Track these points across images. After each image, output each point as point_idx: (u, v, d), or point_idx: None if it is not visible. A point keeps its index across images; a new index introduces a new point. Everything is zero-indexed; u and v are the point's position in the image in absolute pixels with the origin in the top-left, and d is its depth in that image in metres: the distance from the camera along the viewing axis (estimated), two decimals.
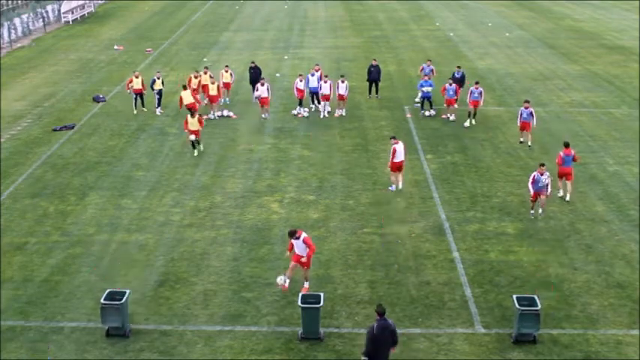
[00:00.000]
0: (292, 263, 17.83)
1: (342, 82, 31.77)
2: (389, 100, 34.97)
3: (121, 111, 33.44)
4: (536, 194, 21.79)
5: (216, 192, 24.12)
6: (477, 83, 30.73)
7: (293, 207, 22.94)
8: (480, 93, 30.35)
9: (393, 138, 24.12)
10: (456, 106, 31.32)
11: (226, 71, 33.78)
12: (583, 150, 28.00)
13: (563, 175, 23.25)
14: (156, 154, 27.69)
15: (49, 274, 18.87)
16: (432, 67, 34.76)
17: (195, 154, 27.19)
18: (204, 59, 44.62)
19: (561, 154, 23.21)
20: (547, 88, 37.29)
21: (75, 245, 20.45)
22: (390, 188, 24.21)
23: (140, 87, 32.53)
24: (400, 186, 24.16)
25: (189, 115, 26.89)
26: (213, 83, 31.76)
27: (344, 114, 32.24)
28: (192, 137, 27.12)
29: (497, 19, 60.51)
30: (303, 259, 17.73)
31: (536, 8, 66.39)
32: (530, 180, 21.86)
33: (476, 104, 30.51)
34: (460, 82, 32.42)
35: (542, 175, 21.55)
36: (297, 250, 17.78)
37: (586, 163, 26.68)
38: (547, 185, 21.71)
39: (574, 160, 23.27)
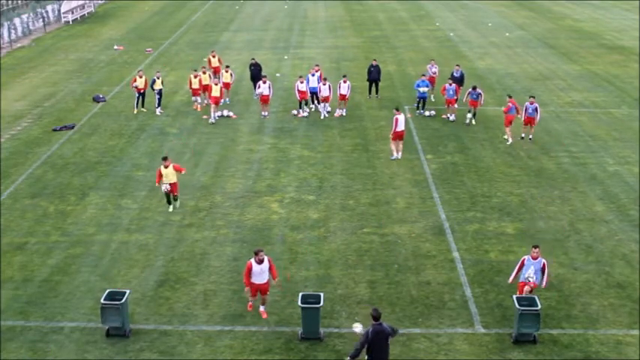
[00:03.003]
0: (252, 298, 16.69)
1: (345, 81, 31.72)
2: (389, 100, 34.94)
3: (121, 111, 33.44)
4: (523, 285, 16.68)
5: (216, 192, 24.12)
6: (474, 88, 30.78)
7: (293, 207, 22.95)
8: (479, 95, 30.46)
9: (396, 109, 26.60)
10: (456, 105, 31.34)
11: (226, 71, 33.79)
12: (583, 150, 28.03)
13: (510, 122, 28.48)
14: (156, 154, 27.66)
15: (49, 274, 18.87)
16: (436, 66, 34.71)
17: (171, 209, 22.55)
18: (204, 59, 44.57)
19: (510, 104, 28.32)
20: (547, 88, 37.29)
21: (75, 245, 20.45)
22: (392, 157, 26.80)
23: (143, 86, 32.66)
24: (400, 155, 26.72)
25: (162, 166, 21.68)
26: (216, 84, 31.70)
27: (344, 114, 32.22)
28: (167, 188, 22.01)
29: (497, 19, 60.51)
30: (264, 284, 16.49)
31: (536, 8, 66.40)
32: (518, 265, 16.84)
33: (475, 104, 30.62)
34: (459, 81, 32.42)
35: (535, 259, 16.60)
36: (256, 279, 16.35)
37: (586, 163, 26.70)
38: (539, 274, 16.63)
39: (517, 110, 28.45)
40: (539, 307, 15.68)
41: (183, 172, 22.23)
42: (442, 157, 27.19)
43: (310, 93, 32.44)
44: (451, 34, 53.02)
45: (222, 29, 55.96)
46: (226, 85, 33.79)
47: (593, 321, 16.77)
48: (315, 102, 32.77)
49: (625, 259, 19.57)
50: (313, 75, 32.06)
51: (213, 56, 36.63)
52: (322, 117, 31.82)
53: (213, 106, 31.49)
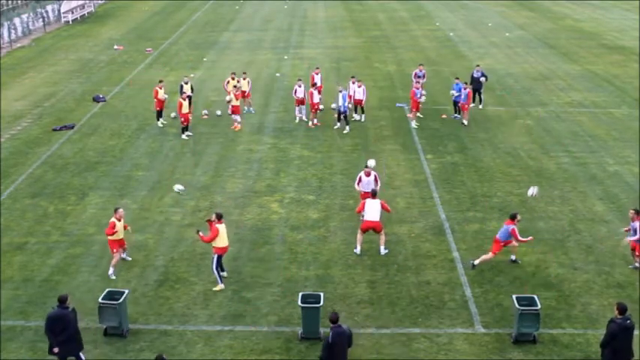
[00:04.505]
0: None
1: (359, 86, 30.84)
2: (389, 100, 34.96)
3: (121, 111, 33.45)
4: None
5: (216, 192, 24.12)
6: (466, 83, 30.99)
7: (293, 207, 22.94)
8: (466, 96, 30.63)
9: (366, 167, 21.71)
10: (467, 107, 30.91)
11: (244, 79, 32.46)
12: (583, 150, 28.03)
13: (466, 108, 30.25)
14: (156, 154, 27.69)
15: (49, 274, 18.87)
16: (423, 71, 34.05)
17: (112, 275, 18.65)
18: (204, 59, 44.63)
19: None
20: (547, 88, 37.28)
21: (75, 245, 20.44)
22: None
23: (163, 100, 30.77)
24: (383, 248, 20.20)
25: (114, 219, 18.62)
26: (237, 97, 30.22)
27: (362, 120, 31.55)
28: (119, 254, 18.88)
29: (497, 19, 60.51)
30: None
31: (536, 8, 66.40)
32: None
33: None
34: (478, 82, 32.18)
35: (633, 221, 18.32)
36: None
37: (586, 163, 26.69)
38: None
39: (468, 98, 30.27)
40: (539, 306, 15.69)
41: (126, 228, 19.11)
42: (442, 157, 27.18)
43: (339, 113, 29.97)
44: (451, 34, 53.01)
45: (222, 29, 55.96)
46: (244, 94, 32.23)
47: (593, 321, 16.76)
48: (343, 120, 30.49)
49: (625, 259, 19.53)
50: (340, 92, 29.81)
51: (233, 78, 32.32)
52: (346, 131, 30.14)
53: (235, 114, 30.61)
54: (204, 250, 20.14)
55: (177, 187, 21.73)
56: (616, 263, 19.36)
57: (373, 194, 19.69)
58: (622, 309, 13.95)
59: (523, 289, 17.95)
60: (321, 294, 16.19)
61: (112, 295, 16.04)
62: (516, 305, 15.66)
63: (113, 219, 18.61)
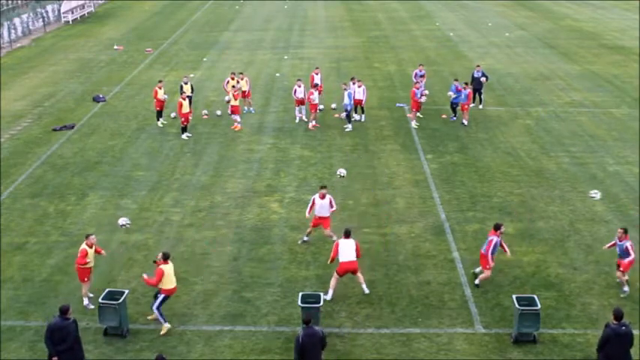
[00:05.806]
0: None
1: (359, 85, 30.74)
2: (389, 100, 34.96)
3: (121, 111, 33.44)
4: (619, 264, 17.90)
5: (216, 192, 24.12)
6: (466, 83, 30.97)
7: (293, 207, 22.94)
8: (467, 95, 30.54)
9: (323, 187, 20.28)
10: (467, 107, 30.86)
11: (242, 79, 32.34)
12: (583, 150, 28.03)
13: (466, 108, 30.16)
14: (156, 154, 27.68)
15: (49, 274, 18.87)
16: (423, 71, 34.02)
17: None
18: (204, 59, 44.63)
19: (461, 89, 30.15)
20: (547, 88, 37.28)
21: (75, 245, 20.35)
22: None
23: (163, 100, 30.71)
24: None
25: (86, 245, 17.02)
26: (236, 97, 30.20)
27: (362, 119, 31.48)
28: (89, 282, 17.32)
29: (497, 19, 60.50)
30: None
31: (536, 8, 66.39)
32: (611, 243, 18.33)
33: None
34: (478, 82, 32.14)
35: (620, 240, 17.77)
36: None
37: (586, 163, 26.69)
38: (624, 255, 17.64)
39: (468, 98, 30.35)
40: (539, 306, 15.69)
41: (100, 252, 17.71)
42: (442, 157, 27.18)
43: (347, 113, 29.98)
44: (451, 34, 53.01)
45: (222, 29, 55.95)
46: (244, 94, 32.15)
47: (593, 321, 16.77)
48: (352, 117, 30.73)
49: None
50: (345, 90, 30.01)
51: (232, 78, 32.42)
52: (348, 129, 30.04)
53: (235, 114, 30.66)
54: (204, 250, 20.15)
55: (122, 220, 19.95)
56: (616, 263, 19.33)
57: (346, 234, 17.53)
58: (617, 315, 14.00)
59: (523, 289, 17.97)
60: (321, 294, 16.20)
61: (112, 295, 16.05)
62: (516, 305, 15.67)
63: (84, 246, 16.92)
